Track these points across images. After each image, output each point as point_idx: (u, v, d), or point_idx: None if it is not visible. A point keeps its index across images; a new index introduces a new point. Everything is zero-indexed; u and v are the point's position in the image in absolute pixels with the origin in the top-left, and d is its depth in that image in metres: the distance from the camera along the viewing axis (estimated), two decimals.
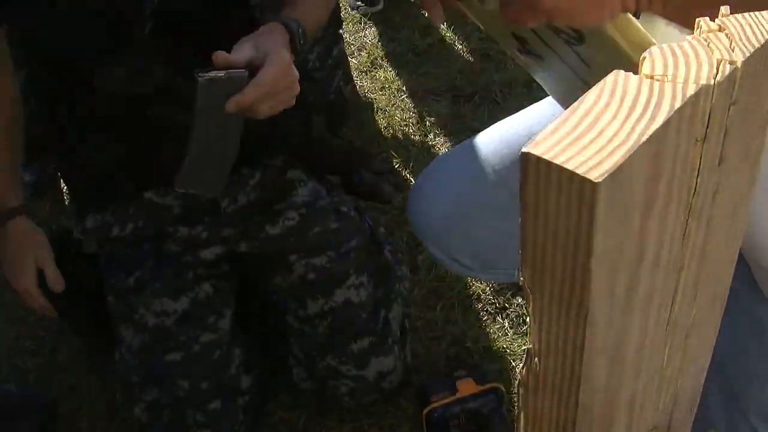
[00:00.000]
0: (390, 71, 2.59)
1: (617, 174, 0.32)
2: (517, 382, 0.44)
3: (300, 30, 1.24)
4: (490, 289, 1.88)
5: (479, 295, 1.87)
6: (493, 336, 1.80)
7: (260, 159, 1.49)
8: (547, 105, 1.24)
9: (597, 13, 0.63)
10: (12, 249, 1.43)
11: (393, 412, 1.66)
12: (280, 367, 1.63)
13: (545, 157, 0.33)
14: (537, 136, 0.34)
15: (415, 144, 2.31)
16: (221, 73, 1.11)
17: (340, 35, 2.27)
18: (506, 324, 1.82)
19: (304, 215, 1.51)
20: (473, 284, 1.89)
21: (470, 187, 1.26)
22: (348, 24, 2.78)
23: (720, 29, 0.40)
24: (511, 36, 0.82)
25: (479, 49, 2.64)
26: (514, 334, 1.80)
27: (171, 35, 1.29)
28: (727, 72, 0.38)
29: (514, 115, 1.29)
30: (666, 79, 0.37)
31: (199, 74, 1.11)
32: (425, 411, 1.57)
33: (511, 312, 1.84)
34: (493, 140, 1.27)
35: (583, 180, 0.32)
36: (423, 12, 2.78)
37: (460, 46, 2.69)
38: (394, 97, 2.48)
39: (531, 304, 0.40)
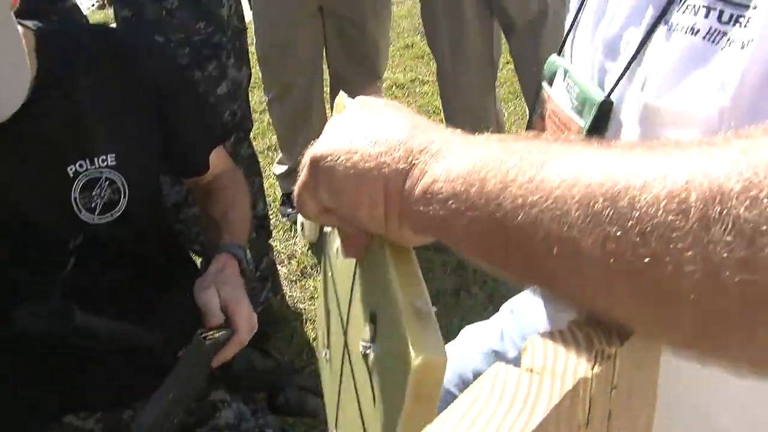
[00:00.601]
0: (320, 280, 2.62)
1: None
2: None
3: (246, 254, 1.31)
4: None
5: None
6: None
7: None
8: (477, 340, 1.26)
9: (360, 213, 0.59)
10: None
11: None
12: None
13: None
14: None
15: None
16: (217, 334, 1.18)
17: (270, 246, 2.31)
18: None
19: None
20: None
21: None
22: (278, 232, 2.84)
23: None
24: None
25: None
26: None
27: (91, 275, 1.31)
28: (606, 360, 0.40)
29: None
30: (545, 372, 0.38)
31: (201, 335, 1.17)
32: None
33: None
34: None
35: None
36: None
37: None
38: None
39: None
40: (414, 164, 0.52)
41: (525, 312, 1.23)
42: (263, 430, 1.52)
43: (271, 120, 3.25)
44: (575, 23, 0.88)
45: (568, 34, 0.90)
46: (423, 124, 0.56)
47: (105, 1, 5.74)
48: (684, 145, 0.42)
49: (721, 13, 0.64)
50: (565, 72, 0.85)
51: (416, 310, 0.49)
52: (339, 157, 0.57)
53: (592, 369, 0.39)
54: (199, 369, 1.18)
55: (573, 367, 0.38)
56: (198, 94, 1.60)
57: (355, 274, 0.68)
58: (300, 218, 2.96)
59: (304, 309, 2.50)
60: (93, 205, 1.30)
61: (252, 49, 2.95)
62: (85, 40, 1.34)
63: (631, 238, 0.39)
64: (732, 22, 0.63)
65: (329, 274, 0.87)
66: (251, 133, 3.80)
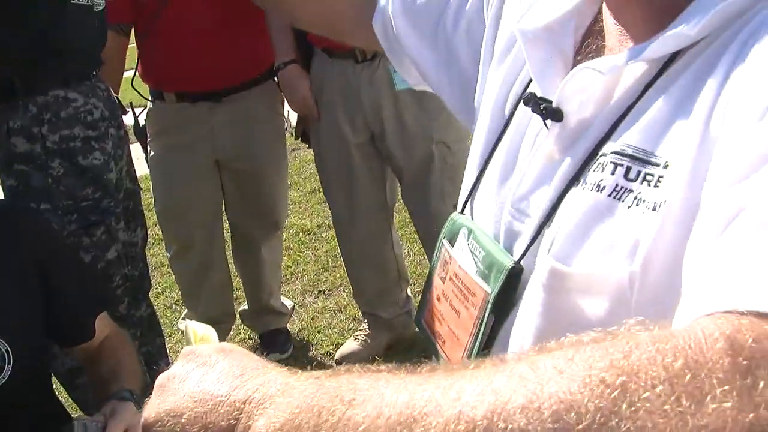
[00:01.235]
0: None
1: None
2: None
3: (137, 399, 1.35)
4: None
5: None
6: None
7: None
8: None
9: None
10: None
11: None
12: None
13: None
14: None
15: None
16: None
17: None
18: None
19: None
20: None
21: None
22: None
23: None
24: None
25: None
26: None
27: None
28: None
29: None
30: None
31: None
32: None
33: None
34: None
35: None
36: None
37: None
38: None
39: None
40: (239, 418, 0.55)
41: None
42: None
43: (172, 276, 3.22)
44: (478, 181, 0.86)
45: (471, 191, 0.87)
46: (250, 369, 0.59)
47: None
48: (480, 365, 0.47)
49: (628, 169, 0.63)
50: (469, 232, 0.82)
51: None
52: (167, 422, 0.59)
53: None
54: None
55: None
56: (80, 263, 1.61)
57: None
58: None
59: None
60: None
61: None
62: None
63: None
64: (639, 180, 0.62)
65: None
66: (160, 287, 3.77)
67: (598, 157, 0.67)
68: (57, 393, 1.74)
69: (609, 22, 0.75)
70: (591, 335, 0.47)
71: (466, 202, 0.87)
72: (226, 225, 3.09)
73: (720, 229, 0.50)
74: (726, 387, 0.40)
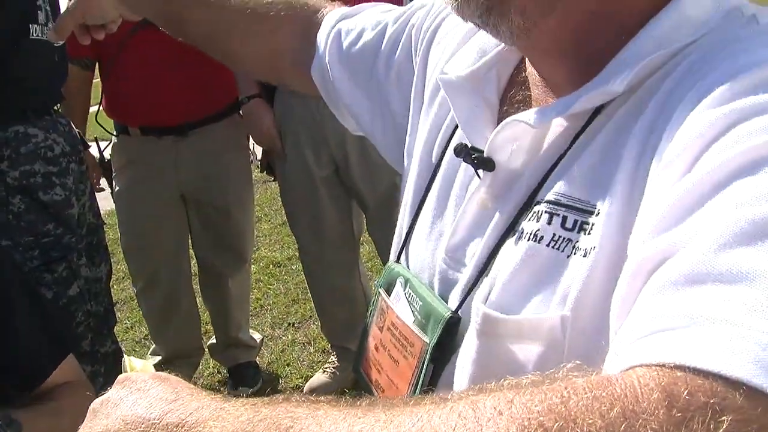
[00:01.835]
0: None
1: None
2: None
3: None
4: None
5: None
6: None
7: None
8: None
9: None
10: None
11: None
12: None
13: None
14: None
15: None
16: None
17: None
18: None
19: None
20: None
21: None
22: None
23: None
24: None
25: None
26: None
27: None
28: None
29: None
30: None
31: None
32: None
33: None
34: None
35: None
36: None
37: None
38: None
39: None
40: None
41: None
42: None
43: (141, 311, 3.19)
44: (411, 229, 0.86)
45: (405, 240, 0.87)
46: (184, 395, 0.59)
47: None
48: (420, 402, 0.48)
49: (564, 219, 0.64)
50: (406, 281, 0.82)
51: None
52: None
53: None
54: None
55: None
56: (42, 308, 1.55)
57: None
58: None
59: None
60: None
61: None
62: None
63: None
64: (577, 229, 0.63)
65: None
66: (129, 321, 3.74)
67: (532, 206, 0.68)
68: None
69: (532, 72, 0.77)
70: (530, 378, 0.48)
71: (401, 251, 0.87)
72: (193, 259, 3.08)
73: (645, 278, 0.51)
74: None
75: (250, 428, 0.51)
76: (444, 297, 0.77)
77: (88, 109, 2.81)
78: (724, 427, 0.40)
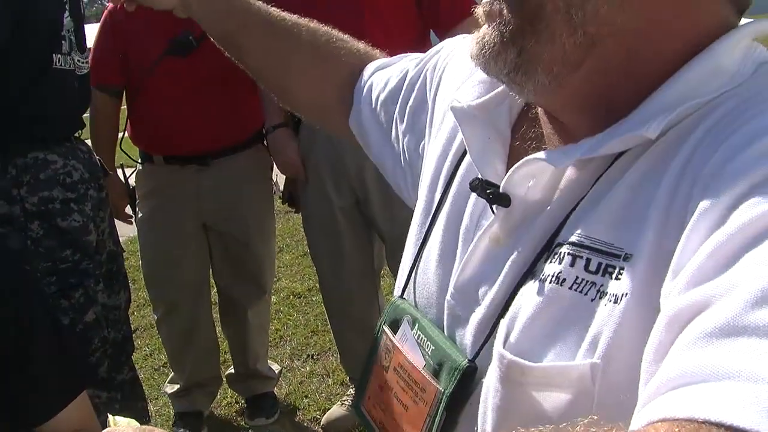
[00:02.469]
0: None
1: None
2: None
3: None
4: None
5: None
6: None
7: None
8: None
9: None
10: None
11: None
12: None
13: None
14: None
15: None
16: None
17: None
18: None
19: None
20: None
21: None
22: None
23: None
24: None
25: None
26: None
27: None
28: None
29: None
30: None
31: None
32: None
33: None
34: None
35: None
36: None
37: None
38: None
39: None
40: None
41: None
42: None
43: (160, 339, 3.19)
44: (416, 263, 0.84)
45: (410, 273, 0.85)
46: None
47: None
48: None
49: (588, 261, 0.62)
50: (414, 321, 0.80)
51: None
52: None
53: None
54: None
55: None
56: (62, 339, 1.52)
57: None
58: None
59: None
60: None
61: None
62: None
63: None
64: (601, 272, 0.61)
65: None
66: (148, 349, 3.74)
67: (552, 247, 0.66)
68: None
69: (543, 111, 0.76)
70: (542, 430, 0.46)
71: (406, 285, 0.85)
72: (213, 288, 3.08)
73: (679, 330, 0.49)
74: None
75: None
76: (452, 336, 0.75)
77: (117, 136, 2.83)
78: None
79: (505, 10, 0.67)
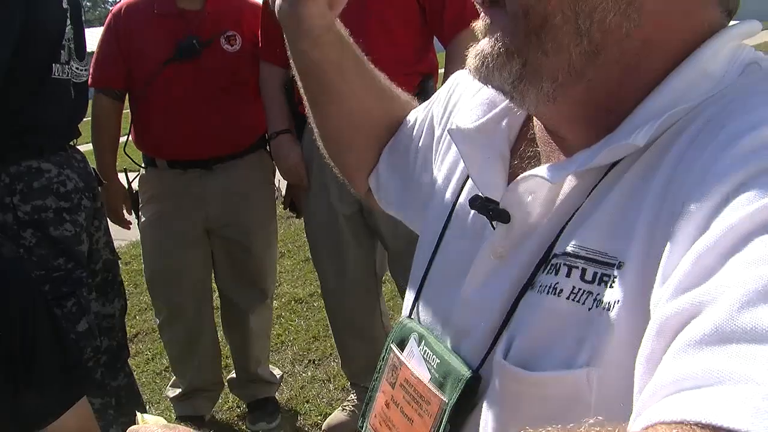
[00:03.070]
0: None
1: None
2: None
3: None
4: None
5: None
6: None
7: None
8: None
9: None
10: None
11: None
12: None
13: None
14: None
15: None
16: None
17: None
18: None
19: None
20: None
21: None
22: None
23: None
24: None
25: None
26: None
27: None
28: None
29: None
30: None
31: None
32: None
33: None
34: None
35: None
36: None
37: None
38: None
39: None
40: None
41: None
42: None
43: (162, 343, 3.20)
44: (424, 282, 0.85)
45: (417, 296, 0.86)
46: None
47: None
48: None
49: (583, 271, 0.63)
50: (421, 338, 0.80)
51: None
52: None
53: None
54: None
55: None
56: (64, 345, 1.53)
57: None
58: None
59: None
60: None
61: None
62: None
63: None
64: (597, 281, 0.62)
65: None
66: (150, 353, 3.74)
67: (549, 259, 0.67)
68: None
69: (540, 129, 0.77)
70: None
71: (413, 306, 0.86)
72: (215, 293, 3.08)
73: (670, 338, 0.50)
74: None
75: None
76: (457, 349, 0.76)
77: (118, 139, 2.84)
78: None
79: (509, 23, 0.68)
